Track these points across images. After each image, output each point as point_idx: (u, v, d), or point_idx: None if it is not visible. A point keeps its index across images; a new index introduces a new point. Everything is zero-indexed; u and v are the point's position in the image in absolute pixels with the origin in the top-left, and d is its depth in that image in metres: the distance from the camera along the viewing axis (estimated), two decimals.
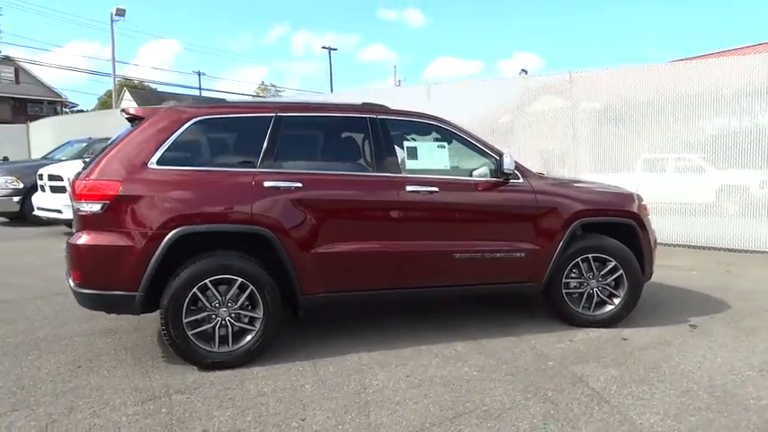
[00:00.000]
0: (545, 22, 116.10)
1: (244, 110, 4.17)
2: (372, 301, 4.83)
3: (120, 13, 27.35)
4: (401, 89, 12.88)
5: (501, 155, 4.36)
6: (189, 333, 3.73)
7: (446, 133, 4.50)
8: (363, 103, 4.42)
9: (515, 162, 4.49)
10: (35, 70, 39.49)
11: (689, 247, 8.76)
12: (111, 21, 27.44)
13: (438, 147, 4.46)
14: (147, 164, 3.74)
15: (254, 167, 3.92)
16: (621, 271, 4.68)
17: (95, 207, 3.64)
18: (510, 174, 4.36)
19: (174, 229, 3.67)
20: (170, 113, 3.94)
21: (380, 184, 4.13)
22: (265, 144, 3.98)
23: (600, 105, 9.81)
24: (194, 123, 3.92)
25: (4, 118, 32.64)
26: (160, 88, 50.93)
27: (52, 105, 39.80)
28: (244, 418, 3.14)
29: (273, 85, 62.48)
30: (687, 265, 7.56)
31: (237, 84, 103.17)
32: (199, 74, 45.17)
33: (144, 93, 49.40)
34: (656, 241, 5.04)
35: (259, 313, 3.86)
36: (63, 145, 13.59)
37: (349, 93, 13.46)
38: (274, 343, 4.08)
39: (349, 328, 4.65)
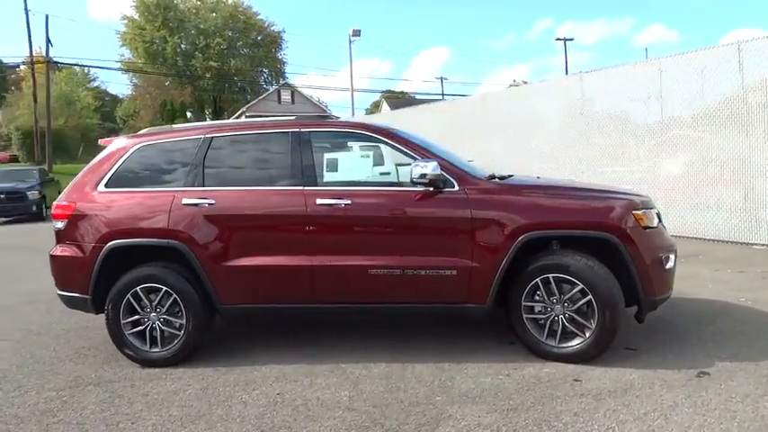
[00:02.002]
0: None
1: (181, 133, 4.54)
2: (293, 314, 4.77)
3: (357, 33, 30.16)
4: (546, 84, 11.70)
5: (417, 161, 3.94)
6: (126, 332, 4.26)
7: (376, 141, 4.23)
8: (295, 118, 4.43)
9: (451, 168, 4.03)
10: (306, 92, 45.93)
11: None
12: (350, 41, 30.45)
13: (362, 156, 4.22)
14: (97, 187, 4.40)
15: (179, 186, 4.28)
16: (590, 296, 3.80)
17: (60, 225, 4.43)
18: (427, 182, 3.91)
19: (109, 242, 4.25)
20: (120, 142, 4.55)
21: (290, 198, 4.11)
22: (191, 164, 4.32)
23: None
24: (138, 149, 4.46)
25: None
26: (419, 96, 54.62)
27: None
28: (99, 414, 3.51)
29: (525, 83, 61.55)
30: None
31: (490, 85, 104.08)
32: (441, 80, 47.06)
33: (399, 101, 53.38)
34: (659, 260, 3.93)
35: (183, 320, 4.21)
36: None
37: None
38: (226, 346, 4.39)
39: (306, 338, 4.68)
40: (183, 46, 52.60)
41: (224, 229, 4.16)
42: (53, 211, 4.52)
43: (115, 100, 66.51)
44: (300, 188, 4.12)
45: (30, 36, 34.32)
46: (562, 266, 3.85)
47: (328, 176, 4.20)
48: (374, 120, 21.00)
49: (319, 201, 4.05)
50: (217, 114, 55.08)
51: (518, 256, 3.90)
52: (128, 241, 4.25)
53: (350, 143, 4.35)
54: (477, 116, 13.61)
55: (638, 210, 3.91)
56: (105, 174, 4.43)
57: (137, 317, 4.26)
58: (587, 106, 10.26)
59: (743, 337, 4.33)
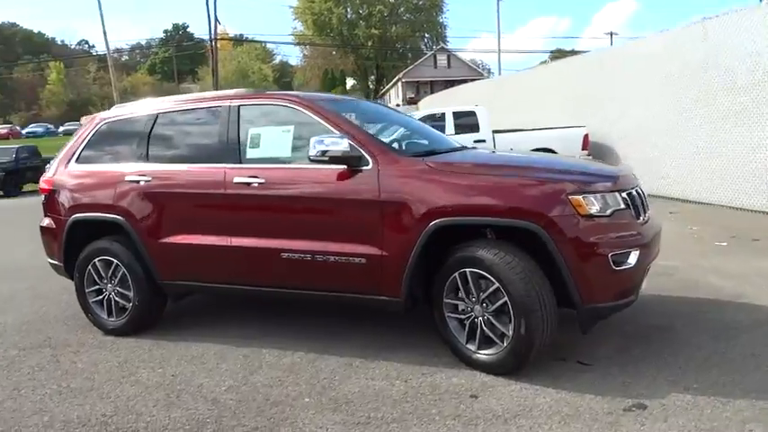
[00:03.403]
0: None
1: (139, 109, 4.56)
2: (225, 295, 4.58)
3: None
4: (684, 30, 9.62)
5: (326, 136, 3.52)
6: (90, 300, 4.51)
7: (299, 113, 3.86)
8: (234, 91, 4.24)
9: (368, 143, 3.57)
10: (471, 56, 44.88)
11: None
12: (498, 1, 29.02)
13: (283, 131, 3.89)
14: (69, 163, 4.65)
15: (128, 162, 4.35)
16: (505, 298, 3.16)
17: (43, 198, 4.78)
18: (327, 160, 3.48)
19: (72, 215, 4.49)
20: (92, 118, 4.74)
21: (212, 176, 3.96)
22: (139, 140, 4.36)
23: None
24: (103, 125, 4.61)
25: None
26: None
27: (474, 82, 44.56)
28: (20, 378, 3.73)
29: None
30: None
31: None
32: (611, 35, 42.85)
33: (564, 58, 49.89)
34: (604, 258, 3.10)
35: (132, 293, 4.34)
36: None
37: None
38: (188, 319, 4.58)
39: (268, 318, 4.56)
40: (347, 16, 54.31)
41: (157, 206, 4.16)
42: (40, 185, 4.89)
43: (293, 71, 71.38)
44: (222, 166, 3.96)
45: (209, 14, 37.87)
46: (477, 260, 3.24)
47: (251, 153, 3.95)
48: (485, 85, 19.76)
49: (236, 179, 3.86)
50: (378, 81, 56.44)
51: (431, 245, 3.37)
52: (84, 215, 4.45)
53: (283, 117, 3.98)
54: (596, 75, 12.15)
55: (576, 194, 3.12)
56: (76, 150, 4.67)
57: (98, 286, 4.48)
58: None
59: (751, 363, 3.32)
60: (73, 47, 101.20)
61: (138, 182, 4.23)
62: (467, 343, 3.40)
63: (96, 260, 4.42)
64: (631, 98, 10.82)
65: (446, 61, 44.80)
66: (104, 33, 29.56)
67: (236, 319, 4.60)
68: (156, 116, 4.37)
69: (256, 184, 3.80)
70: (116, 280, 4.39)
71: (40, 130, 50.42)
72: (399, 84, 45.80)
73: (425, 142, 4.43)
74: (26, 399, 3.45)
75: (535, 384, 3.18)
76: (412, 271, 3.40)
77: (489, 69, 55.33)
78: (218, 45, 39.70)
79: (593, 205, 3.14)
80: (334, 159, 3.49)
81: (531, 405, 2.96)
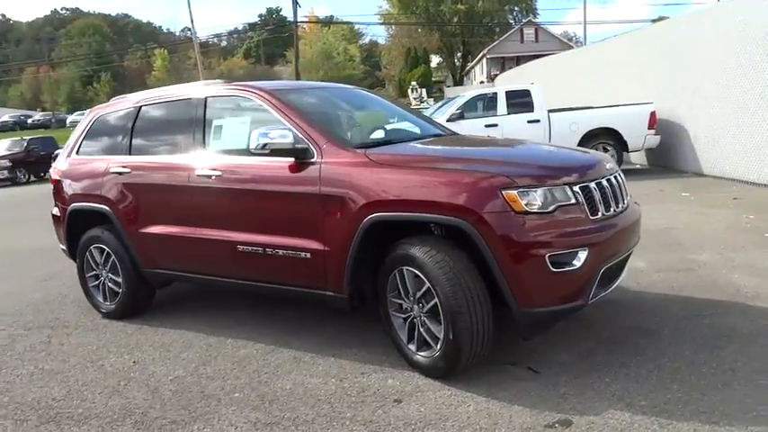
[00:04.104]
0: None
1: (127, 103, 4.67)
2: (199, 285, 4.59)
3: None
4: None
5: (270, 128, 3.44)
6: (90, 285, 4.77)
7: (258, 106, 3.79)
8: (204, 83, 4.25)
9: (314, 135, 3.46)
10: (553, 29, 42.93)
11: None
12: None
13: (240, 123, 3.85)
14: (70, 155, 4.90)
15: (113, 155, 4.51)
16: (435, 299, 2.98)
17: (52, 188, 5.07)
18: (269, 153, 3.39)
19: (71, 205, 4.74)
20: (90, 111, 4.94)
21: (179, 169, 4.01)
22: (124, 133, 4.50)
23: None
24: (97, 118, 4.81)
25: None
26: None
27: (546, 57, 42.62)
28: (8, 357, 4.04)
29: None
30: None
31: None
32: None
33: None
34: (540, 259, 2.82)
35: (121, 279, 4.54)
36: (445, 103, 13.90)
37: None
38: (174, 306, 4.73)
39: (262, 309, 4.61)
40: None
41: (136, 197, 4.30)
42: (50, 174, 5.19)
43: (379, 50, 71.39)
44: (189, 157, 4.00)
45: None
46: (410, 258, 3.07)
47: (214, 145, 3.96)
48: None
49: (198, 172, 3.89)
50: (464, 58, 55.25)
51: (377, 240, 3.24)
52: (81, 205, 4.68)
53: (243, 109, 3.96)
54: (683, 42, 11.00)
55: (511, 188, 2.85)
56: (76, 142, 4.90)
57: (95, 272, 4.72)
58: None
59: (723, 379, 2.93)
60: (177, 34, 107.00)
61: (120, 173, 4.38)
62: (408, 343, 3.26)
63: (92, 247, 4.65)
64: (708, 67, 9.72)
65: (533, 35, 42.98)
66: (191, 21, 31.02)
67: (221, 307, 4.68)
68: (139, 109, 4.48)
69: (214, 177, 3.81)
70: (108, 266, 4.60)
71: None
72: (484, 60, 44.54)
73: (411, 129, 4.28)
74: (0, 379, 3.70)
75: (468, 391, 2.99)
76: (353, 266, 3.29)
77: (581, 43, 52.53)
78: (306, 27, 40.44)
79: (535, 201, 2.87)
80: (278, 152, 3.42)
81: (450, 414, 2.78)
